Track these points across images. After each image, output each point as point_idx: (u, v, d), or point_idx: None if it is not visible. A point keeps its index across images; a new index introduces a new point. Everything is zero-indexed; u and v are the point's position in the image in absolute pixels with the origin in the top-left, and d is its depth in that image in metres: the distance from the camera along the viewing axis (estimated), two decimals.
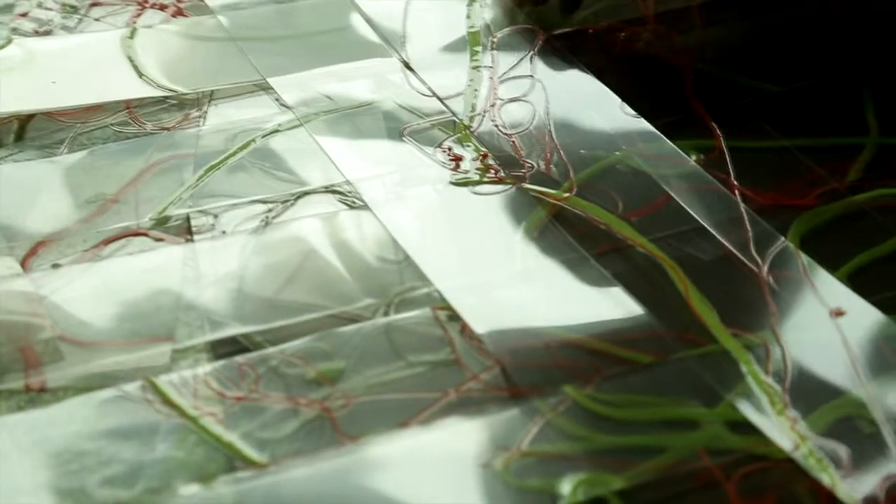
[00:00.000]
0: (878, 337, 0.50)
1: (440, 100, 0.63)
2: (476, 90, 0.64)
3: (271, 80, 0.64)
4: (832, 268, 0.54)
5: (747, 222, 0.56)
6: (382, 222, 0.56)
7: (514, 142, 0.60)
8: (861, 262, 0.54)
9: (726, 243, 0.55)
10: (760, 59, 0.66)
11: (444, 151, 0.60)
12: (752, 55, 0.67)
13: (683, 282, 0.53)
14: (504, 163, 0.59)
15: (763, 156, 0.61)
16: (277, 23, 0.69)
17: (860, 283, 0.53)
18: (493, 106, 0.62)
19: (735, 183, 0.58)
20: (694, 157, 0.60)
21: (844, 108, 0.63)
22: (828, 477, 0.46)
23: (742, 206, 0.57)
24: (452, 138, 0.61)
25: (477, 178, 0.59)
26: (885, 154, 0.60)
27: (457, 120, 0.62)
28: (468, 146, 0.60)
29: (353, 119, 0.62)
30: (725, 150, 0.60)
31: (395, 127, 0.62)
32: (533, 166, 0.59)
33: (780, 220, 0.56)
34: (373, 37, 0.68)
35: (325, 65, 0.65)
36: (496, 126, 0.61)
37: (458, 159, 0.59)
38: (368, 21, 0.68)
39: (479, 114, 0.62)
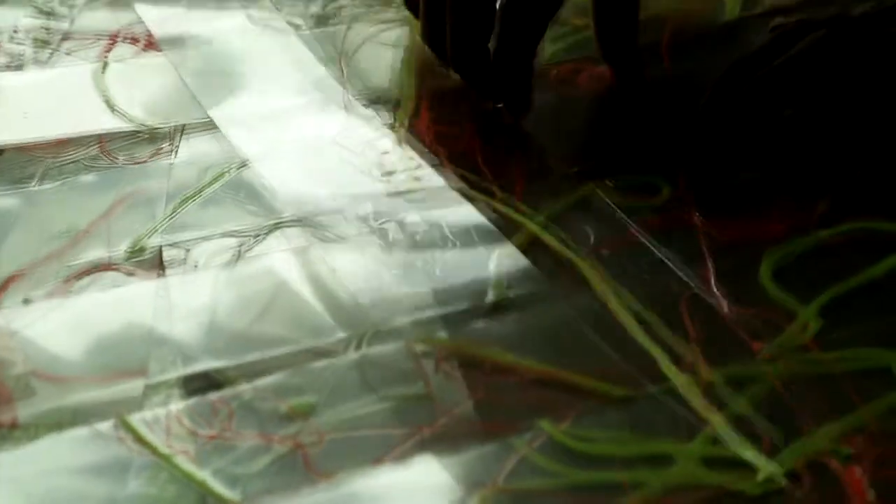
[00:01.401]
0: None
1: (375, 111, 0.64)
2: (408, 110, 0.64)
3: (217, 119, 0.64)
4: (803, 301, 0.54)
5: (710, 256, 0.56)
6: (341, 258, 0.56)
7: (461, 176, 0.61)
8: (832, 295, 0.54)
9: (693, 277, 0.55)
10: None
11: (381, 165, 0.60)
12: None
13: (632, 326, 0.53)
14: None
15: (735, 186, 0.61)
16: (230, 58, 0.69)
17: (831, 317, 0.53)
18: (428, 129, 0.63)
19: (701, 218, 0.58)
20: (664, 189, 0.60)
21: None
22: (751, 454, 0.46)
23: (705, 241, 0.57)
24: (390, 144, 0.61)
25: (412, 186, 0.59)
26: (856, 187, 0.60)
27: (393, 129, 0.62)
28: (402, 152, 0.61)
29: (312, 152, 0.62)
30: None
31: (349, 160, 0.62)
32: (495, 193, 0.59)
33: (750, 253, 0.56)
34: (322, 70, 0.68)
35: (282, 98, 0.65)
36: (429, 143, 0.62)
37: (391, 173, 0.60)
38: (317, 55, 0.69)
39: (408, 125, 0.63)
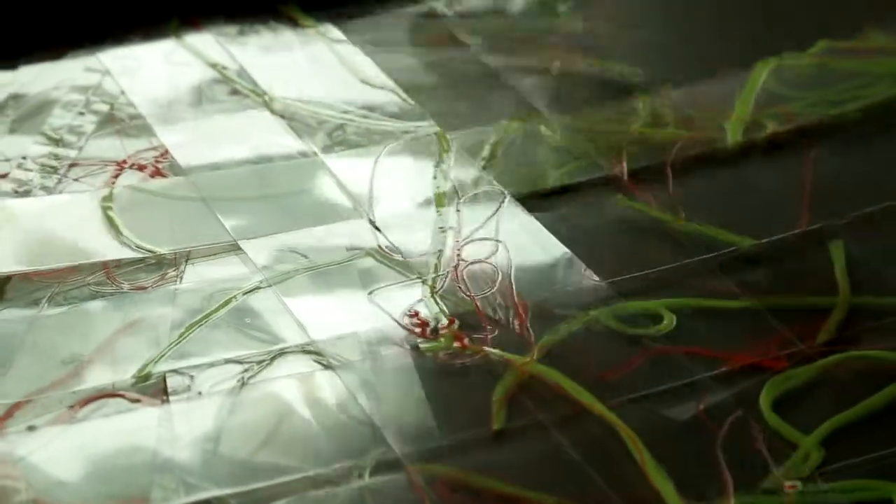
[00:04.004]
0: None
1: (407, 263, 0.64)
2: (441, 253, 0.64)
3: (242, 244, 0.64)
4: (804, 431, 0.54)
5: (710, 385, 0.57)
6: (347, 384, 0.56)
7: (476, 305, 0.61)
8: (833, 426, 0.54)
9: (697, 406, 0.56)
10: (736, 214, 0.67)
11: (411, 316, 0.60)
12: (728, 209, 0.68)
13: (640, 451, 0.53)
14: (470, 325, 0.60)
15: (736, 316, 0.61)
16: (252, 184, 0.69)
17: (833, 449, 0.53)
18: (456, 267, 0.63)
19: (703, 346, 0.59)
20: (666, 318, 0.60)
21: (815, 266, 0.64)
22: None
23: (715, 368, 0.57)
24: (419, 301, 0.61)
25: (443, 344, 0.59)
26: (856, 315, 0.61)
27: (423, 283, 0.62)
28: (435, 311, 0.61)
29: (326, 278, 0.63)
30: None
31: (365, 286, 0.62)
32: (496, 329, 0.59)
33: (752, 382, 0.57)
34: (344, 198, 0.68)
35: (299, 226, 0.66)
36: (459, 288, 0.62)
37: (424, 324, 0.60)
38: (339, 182, 0.69)
39: (442, 275, 0.63)
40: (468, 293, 0.61)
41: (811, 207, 0.67)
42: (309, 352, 0.58)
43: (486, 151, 0.71)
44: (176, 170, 0.69)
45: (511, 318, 0.60)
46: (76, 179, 0.69)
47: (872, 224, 0.66)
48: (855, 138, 0.73)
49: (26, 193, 0.68)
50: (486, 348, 0.58)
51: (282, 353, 0.58)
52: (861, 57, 0.78)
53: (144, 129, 0.72)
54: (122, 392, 0.56)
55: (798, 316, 0.60)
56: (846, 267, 0.63)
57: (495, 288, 0.62)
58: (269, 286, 0.61)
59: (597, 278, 0.62)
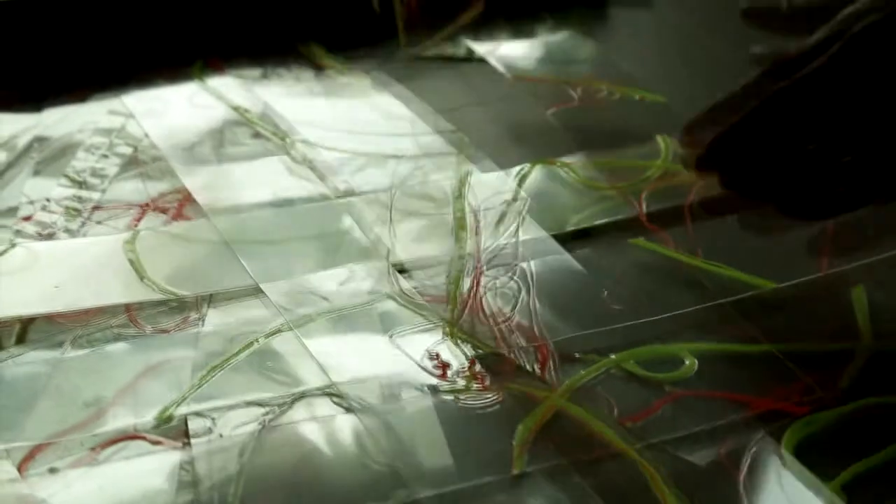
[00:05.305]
0: None
1: (427, 305, 0.64)
2: (460, 282, 0.64)
3: (264, 286, 0.64)
4: (826, 477, 0.54)
5: (732, 431, 0.57)
6: (367, 427, 0.56)
7: (495, 333, 0.61)
8: (854, 472, 0.54)
9: (719, 450, 0.55)
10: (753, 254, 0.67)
11: (432, 358, 0.60)
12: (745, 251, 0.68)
13: (663, 494, 0.53)
14: (491, 364, 0.60)
15: (757, 361, 0.61)
16: (273, 226, 0.69)
17: (854, 495, 0.53)
18: (475, 294, 0.63)
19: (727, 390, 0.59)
20: (688, 362, 0.60)
21: (836, 311, 0.64)
22: None
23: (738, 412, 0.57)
24: (439, 343, 0.61)
25: (464, 386, 0.59)
26: (878, 360, 0.61)
27: (443, 326, 0.62)
28: (455, 353, 0.61)
29: (347, 321, 0.63)
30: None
31: (386, 329, 0.62)
32: (517, 363, 0.59)
33: (774, 427, 0.56)
34: (364, 240, 0.68)
35: (320, 268, 0.66)
36: (480, 317, 0.62)
37: (445, 366, 0.60)
38: (359, 225, 0.69)
39: (462, 310, 0.63)
40: (487, 320, 0.61)
41: (832, 252, 0.67)
42: (330, 394, 0.58)
43: (508, 194, 0.71)
44: (198, 212, 0.70)
45: (532, 363, 0.60)
46: (99, 222, 0.69)
47: (894, 268, 0.66)
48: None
49: (50, 236, 0.68)
50: (507, 384, 0.58)
51: (303, 395, 0.58)
52: None
53: (167, 172, 0.73)
54: (143, 434, 0.56)
55: (820, 361, 0.60)
56: (868, 312, 0.63)
57: (516, 308, 0.62)
58: (291, 329, 0.62)
59: (618, 306, 0.62)
